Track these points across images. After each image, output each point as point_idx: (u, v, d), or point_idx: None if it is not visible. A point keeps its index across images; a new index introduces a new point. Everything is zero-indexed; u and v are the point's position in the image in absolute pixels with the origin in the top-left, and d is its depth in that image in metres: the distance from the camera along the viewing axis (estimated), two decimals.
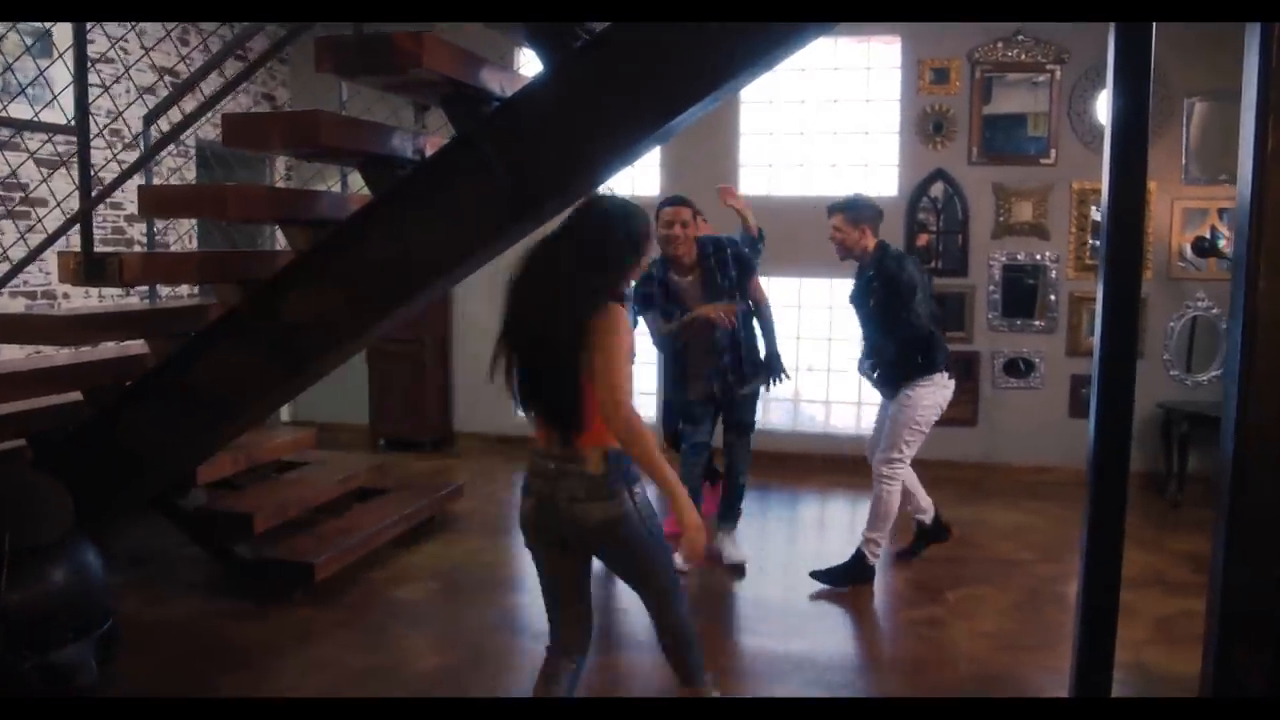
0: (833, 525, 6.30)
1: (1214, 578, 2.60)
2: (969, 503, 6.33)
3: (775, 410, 7.47)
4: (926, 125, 6.88)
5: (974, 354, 6.91)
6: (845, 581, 4.79)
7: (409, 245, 3.21)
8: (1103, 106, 6.67)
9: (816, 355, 7.28)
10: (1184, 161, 6.60)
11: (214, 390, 3.39)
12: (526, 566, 5.17)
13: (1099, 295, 3.08)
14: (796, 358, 7.25)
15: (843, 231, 4.86)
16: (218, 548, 4.60)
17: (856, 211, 4.87)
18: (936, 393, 4.80)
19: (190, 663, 3.94)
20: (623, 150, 3.13)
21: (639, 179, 7.47)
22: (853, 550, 4.83)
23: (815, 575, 4.81)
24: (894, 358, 4.79)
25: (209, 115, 3.15)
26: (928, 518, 5.18)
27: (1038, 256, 6.81)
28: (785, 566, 5.26)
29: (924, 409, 4.77)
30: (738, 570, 5.05)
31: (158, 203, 3.45)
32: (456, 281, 3.83)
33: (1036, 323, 6.85)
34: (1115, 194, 2.83)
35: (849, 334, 5.62)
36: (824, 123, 7.16)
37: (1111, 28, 2.85)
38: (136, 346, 3.76)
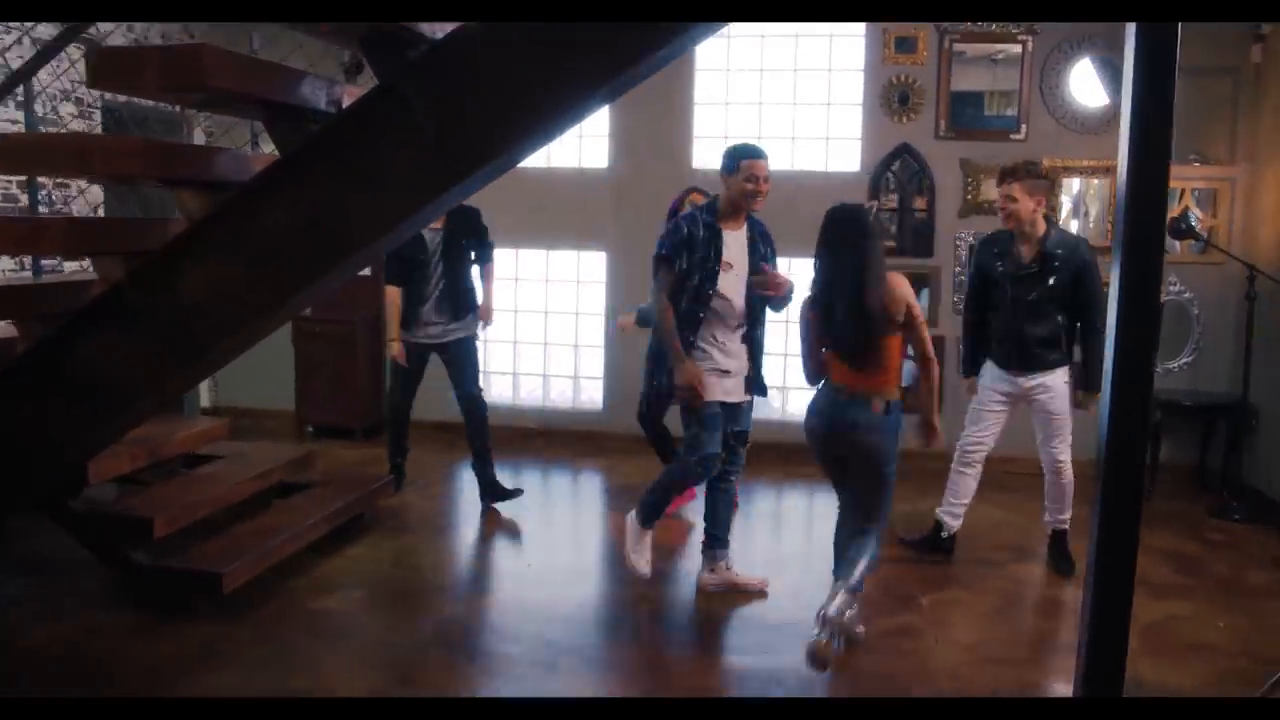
0: (791, 522, 5.92)
1: None
2: (934, 496, 5.96)
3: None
4: (891, 97, 6.50)
5: (938, 339, 6.55)
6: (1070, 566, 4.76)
7: (321, 212, 2.74)
8: (1076, 80, 6.36)
9: (771, 338, 6.87)
10: None
11: (97, 379, 2.89)
12: (462, 570, 4.87)
13: (1114, 289, 2.70)
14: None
15: (1018, 201, 4.50)
16: (112, 555, 4.08)
17: (1035, 181, 4.54)
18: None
19: (76, 687, 3.45)
20: (569, 106, 2.68)
21: (585, 150, 7.02)
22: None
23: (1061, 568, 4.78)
24: (1060, 343, 4.65)
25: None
26: (950, 525, 4.94)
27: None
28: (741, 567, 4.84)
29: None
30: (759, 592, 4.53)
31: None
32: (379, 253, 3.35)
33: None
34: (1134, 194, 2.43)
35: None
36: (783, 93, 6.76)
37: (1132, 26, 2.48)
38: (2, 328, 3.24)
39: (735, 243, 4.29)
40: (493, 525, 5.48)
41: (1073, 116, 6.34)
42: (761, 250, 4.36)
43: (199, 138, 7.07)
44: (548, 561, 4.92)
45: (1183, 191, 6.30)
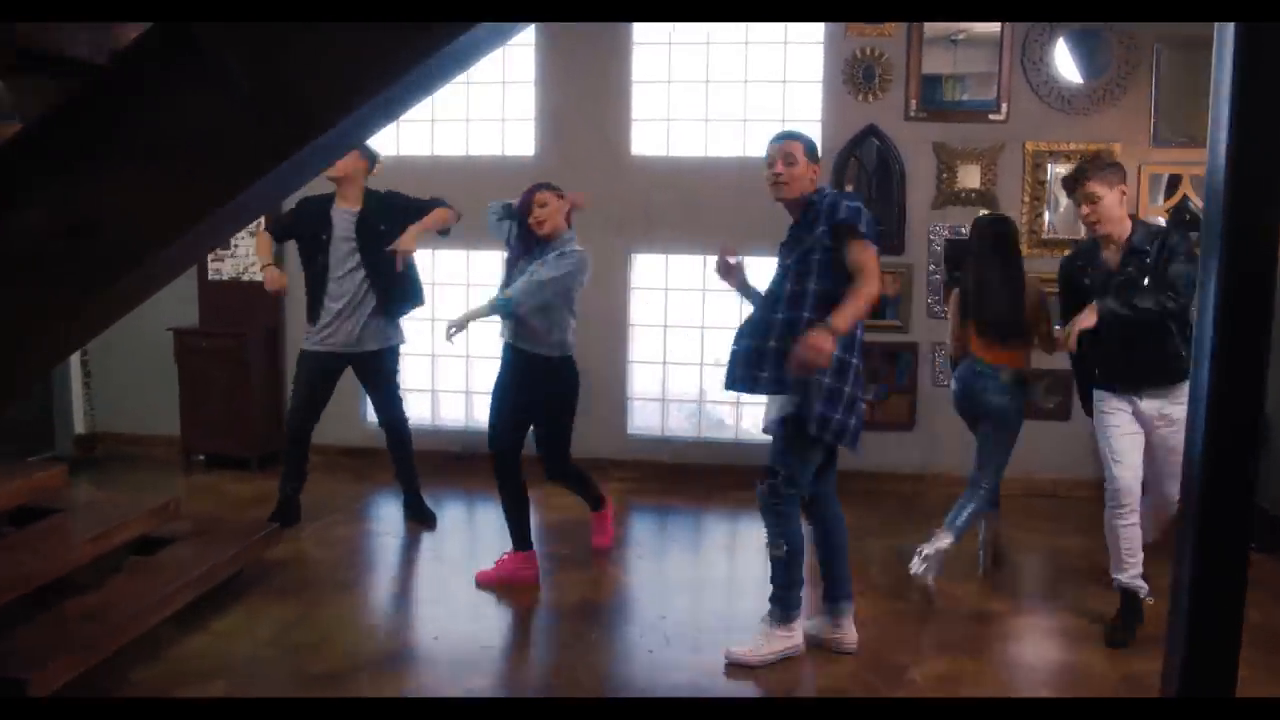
0: (748, 559, 5.11)
1: None
2: (910, 525, 5.25)
3: (675, 414, 6.30)
4: (856, 73, 5.74)
5: (911, 346, 5.84)
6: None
7: (101, 207, 1.91)
8: (1061, 55, 5.64)
9: (725, 346, 6.08)
10: (1152, 120, 5.61)
11: None
12: (356, 647, 3.79)
13: (1210, 290, 1.95)
14: (702, 348, 6.11)
15: (1102, 198, 3.77)
16: None
17: (1111, 169, 3.88)
18: None
19: None
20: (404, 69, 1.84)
21: (509, 138, 6.19)
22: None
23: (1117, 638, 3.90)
24: (1181, 349, 3.78)
25: None
26: (1143, 587, 4.01)
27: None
28: (692, 629, 4.03)
29: None
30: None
31: None
32: (187, 261, 2.47)
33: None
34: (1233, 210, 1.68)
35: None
36: (733, 69, 5.96)
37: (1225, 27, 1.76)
38: None
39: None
40: (403, 578, 4.64)
41: (1058, 95, 5.63)
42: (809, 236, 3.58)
43: None
44: (465, 632, 4.09)
45: (1181, 177, 5.63)
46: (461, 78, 6.20)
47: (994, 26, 5.62)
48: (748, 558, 5.04)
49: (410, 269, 4.90)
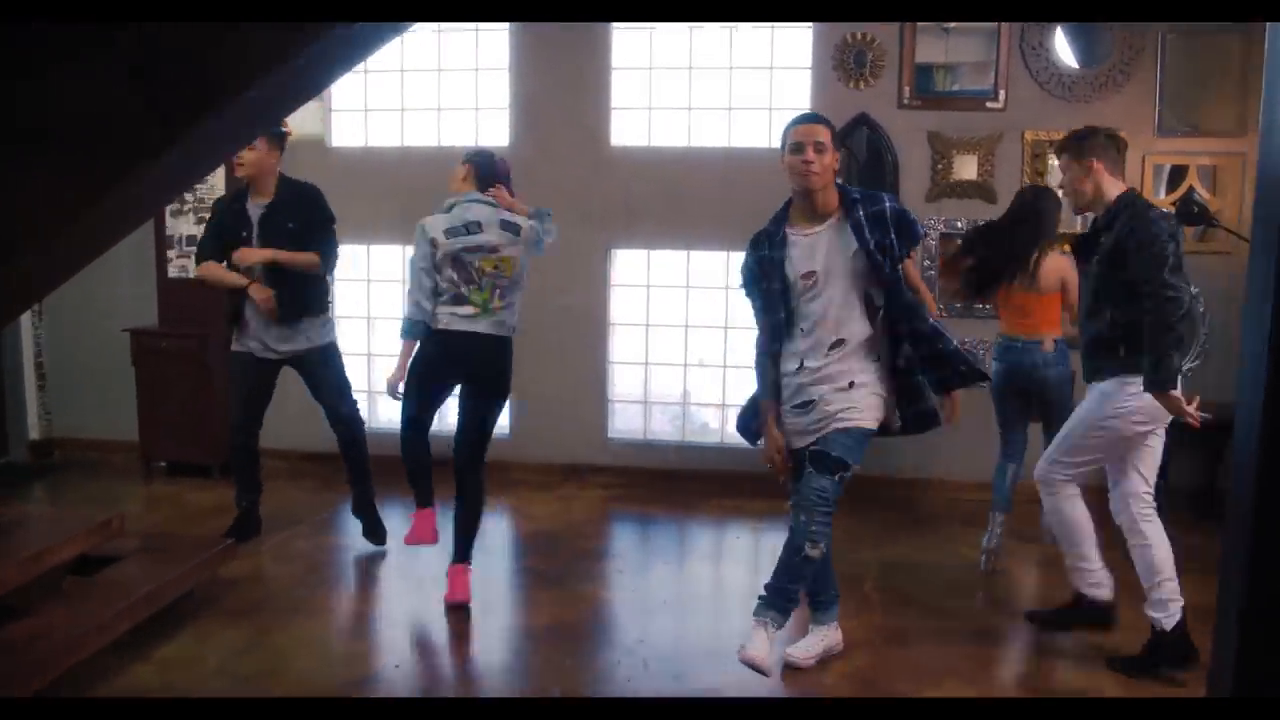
0: (735, 574, 4.84)
1: None
2: (904, 534, 5.02)
3: (658, 417, 6.02)
4: (846, 58, 5.46)
5: None
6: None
7: None
8: (1060, 41, 5.38)
9: (710, 346, 5.85)
10: (1156, 109, 5.35)
11: None
12: (310, 678, 3.44)
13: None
14: (686, 348, 5.83)
15: (1064, 173, 3.72)
16: None
17: (1080, 145, 3.67)
18: None
19: None
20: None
21: (482, 127, 5.90)
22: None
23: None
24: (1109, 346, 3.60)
25: None
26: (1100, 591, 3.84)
27: (982, 223, 5.47)
28: (673, 654, 3.75)
29: None
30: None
31: None
32: (93, 253, 2.17)
33: (981, 305, 5.53)
34: None
35: (748, 320, 4.05)
36: (718, 55, 5.68)
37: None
38: None
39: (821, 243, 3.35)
40: (365, 597, 4.36)
41: (1059, 82, 5.36)
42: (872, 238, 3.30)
43: None
44: (429, 661, 3.80)
45: (1187, 168, 5.37)
46: (432, 64, 5.92)
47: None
48: (734, 573, 4.78)
49: (315, 276, 4.58)
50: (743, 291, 3.52)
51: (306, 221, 4.53)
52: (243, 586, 4.27)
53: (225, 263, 4.53)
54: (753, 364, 3.51)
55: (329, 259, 4.63)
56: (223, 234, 4.56)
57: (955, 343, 3.40)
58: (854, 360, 3.33)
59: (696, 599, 4.40)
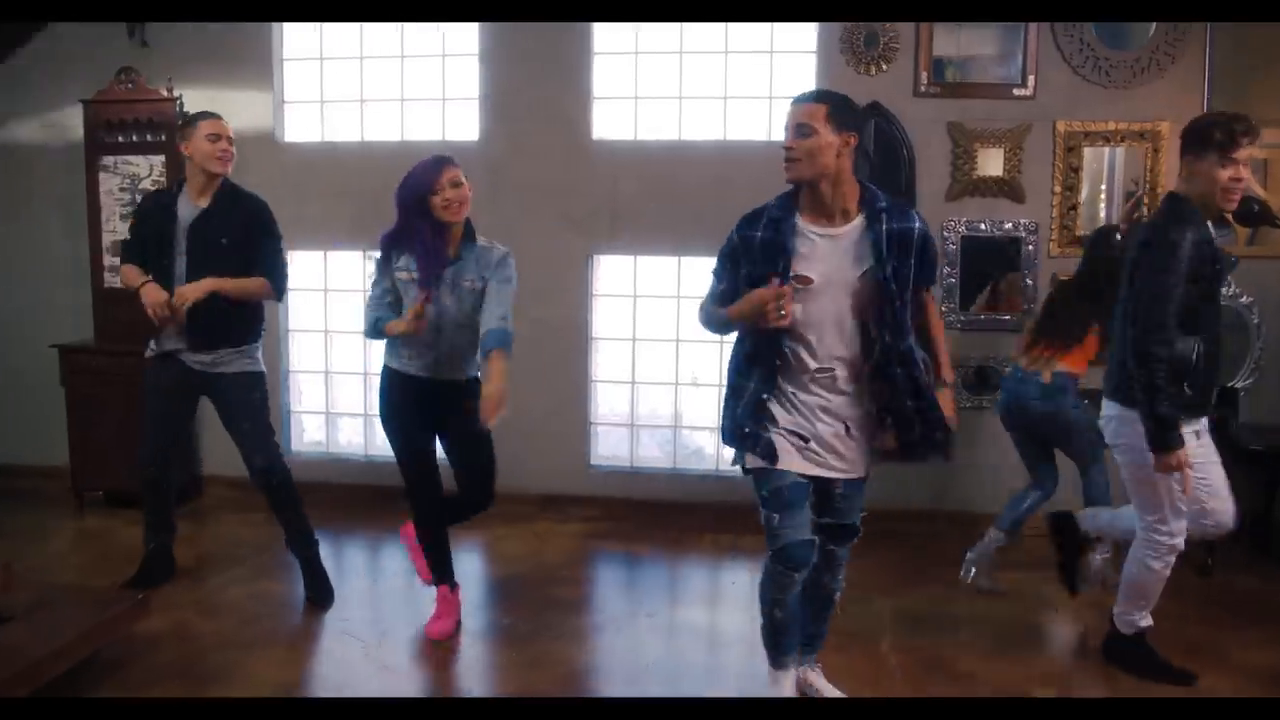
0: (734, 623, 4.21)
1: None
2: (921, 578, 4.44)
3: (646, 441, 5.43)
4: (855, 39, 4.88)
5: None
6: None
7: None
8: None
9: (704, 362, 5.26)
10: (1205, 97, 4.77)
11: None
12: None
13: None
14: (677, 365, 5.25)
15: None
16: None
17: None
18: None
19: None
20: None
21: (450, 117, 5.32)
22: None
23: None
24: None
25: None
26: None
27: (1009, 225, 4.90)
28: None
29: None
30: None
31: None
32: None
33: (1007, 317, 4.95)
34: None
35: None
36: (712, 39, 5.09)
37: None
38: None
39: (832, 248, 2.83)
40: (303, 659, 3.74)
41: (1094, 65, 4.77)
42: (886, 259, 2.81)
43: None
44: None
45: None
46: (395, 51, 5.34)
47: None
48: (731, 625, 4.15)
49: (244, 304, 3.99)
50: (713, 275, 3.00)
51: (243, 239, 3.92)
52: (160, 646, 3.67)
53: (151, 267, 3.94)
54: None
55: (279, 284, 4.03)
56: (145, 235, 3.97)
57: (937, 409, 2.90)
58: (845, 397, 2.88)
59: (687, 663, 3.75)
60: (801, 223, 2.80)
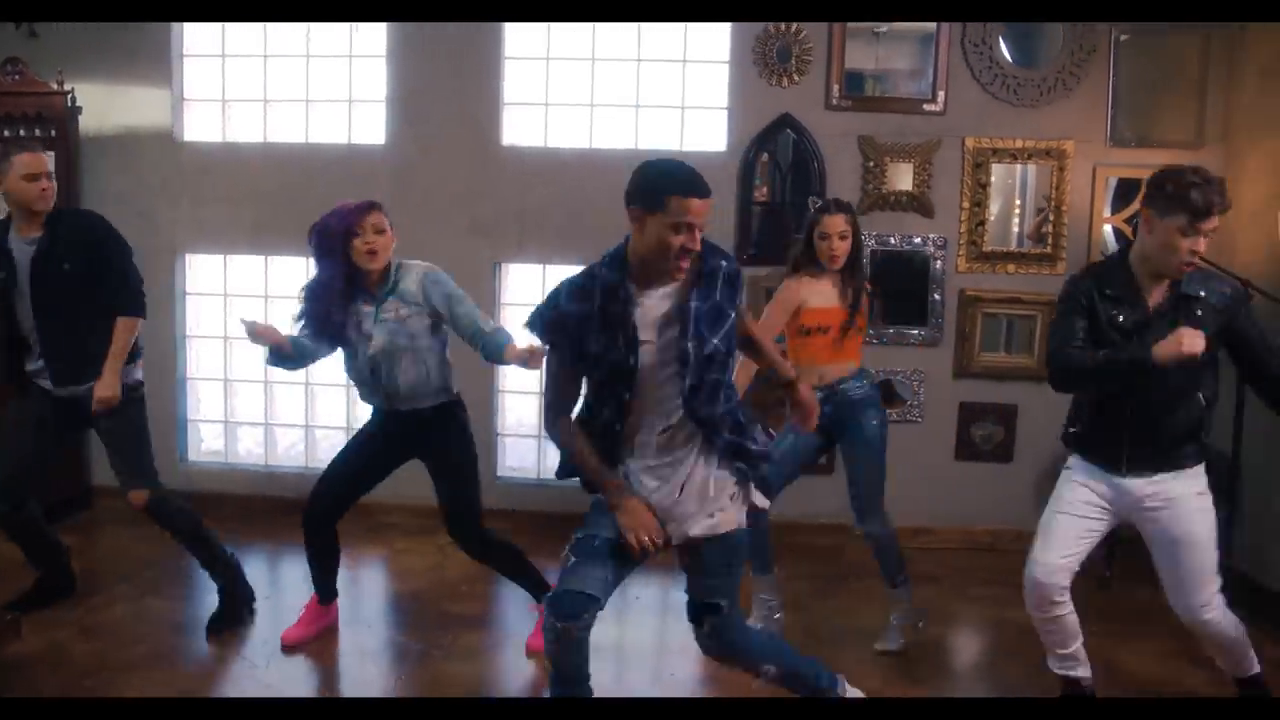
0: (636, 639, 4.14)
1: None
2: (832, 590, 4.42)
3: (553, 452, 5.27)
4: (768, 52, 4.85)
5: None
6: None
7: None
8: (1011, 35, 4.83)
9: None
10: (1109, 116, 4.83)
11: None
12: None
13: None
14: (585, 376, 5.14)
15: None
16: None
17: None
18: None
19: None
20: None
21: (357, 120, 5.18)
22: None
23: None
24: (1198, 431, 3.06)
25: None
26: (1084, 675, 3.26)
27: (918, 240, 4.92)
28: None
29: None
30: None
31: None
32: None
33: (915, 331, 4.97)
34: None
35: None
36: (624, 46, 5.03)
37: None
38: None
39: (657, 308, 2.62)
40: (178, 682, 3.57)
41: (1003, 83, 4.81)
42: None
43: None
44: None
45: (1141, 183, 4.83)
46: (300, 50, 5.19)
47: None
48: (636, 639, 4.06)
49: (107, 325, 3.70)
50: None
51: (90, 260, 3.66)
52: (30, 670, 3.49)
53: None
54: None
55: (134, 303, 3.73)
56: None
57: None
58: None
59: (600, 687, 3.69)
60: (631, 287, 2.64)
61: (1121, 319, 2.92)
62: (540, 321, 2.62)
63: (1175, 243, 2.79)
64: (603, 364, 2.57)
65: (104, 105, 5.16)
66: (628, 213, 2.53)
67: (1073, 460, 3.16)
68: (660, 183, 2.48)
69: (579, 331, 2.56)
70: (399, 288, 3.54)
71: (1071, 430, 3.14)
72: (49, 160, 3.70)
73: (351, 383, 3.72)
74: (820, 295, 3.67)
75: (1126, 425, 2.98)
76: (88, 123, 5.13)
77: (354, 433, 3.79)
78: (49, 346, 3.65)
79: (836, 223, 3.62)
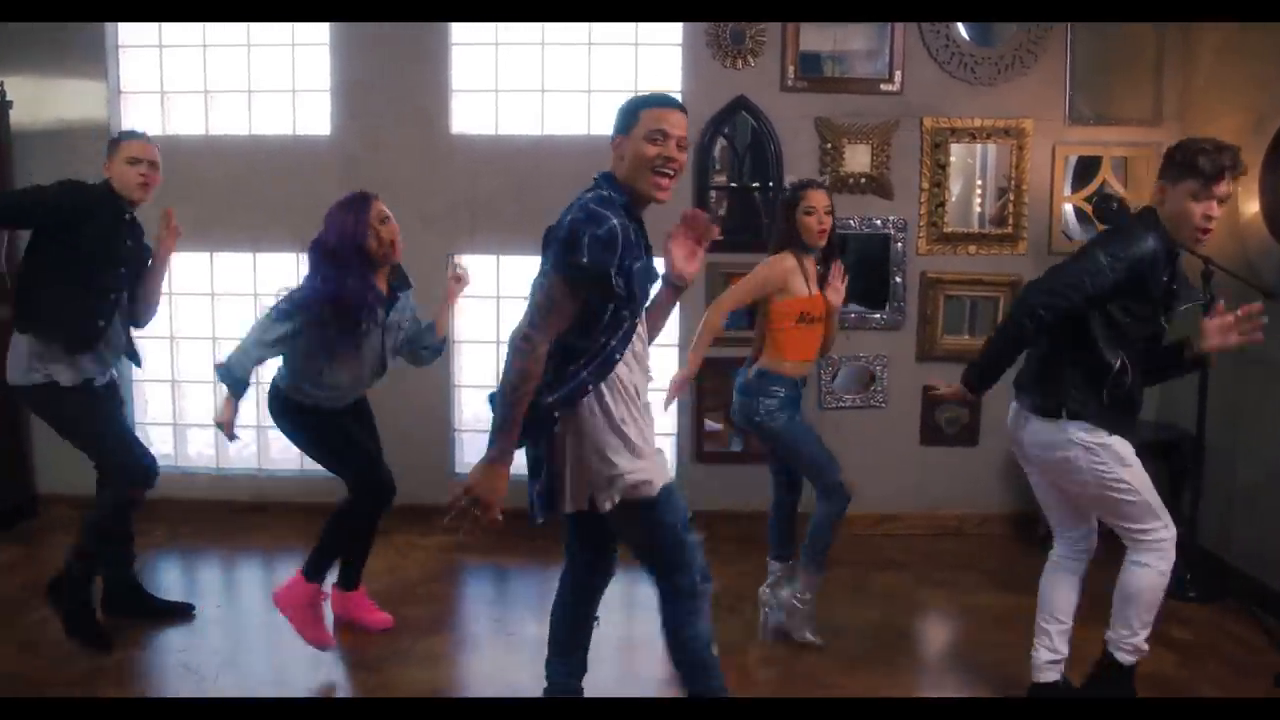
0: (600, 641, 4.04)
1: None
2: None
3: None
4: (721, 34, 4.76)
5: None
6: None
7: None
8: None
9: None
10: (1067, 94, 4.78)
11: None
12: None
13: None
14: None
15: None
16: None
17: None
18: None
19: None
20: None
21: (301, 110, 5.04)
22: None
23: None
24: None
25: None
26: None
27: (877, 222, 4.85)
28: None
29: None
30: None
31: None
32: None
33: (876, 315, 4.90)
34: None
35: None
36: (574, 31, 4.92)
37: None
38: None
39: None
40: (136, 690, 3.45)
41: (960, 62, 4.75)
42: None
43: None
44: None
45: (1100, 160, 4.81)
46: (241, 40, 5.03)
47: None
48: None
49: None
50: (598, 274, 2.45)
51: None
52: None
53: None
54: None
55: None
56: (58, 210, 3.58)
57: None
58: None
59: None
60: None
61: (1175, 286, 2.96)
62: (598, 243, 2.40)
63: (1188, 208, 2.80)
64: (634, 280, 2.48)
65: (36, 99, 4.98)
66: (612, 152, 2.55)
67: (1100, 435, 2.92)
68: (634, 102, 2.54)
69: (626, 243, 2.44)
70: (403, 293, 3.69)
71: (1090, 405, 2.92)
72: (155, 151, 3.72)
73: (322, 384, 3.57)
74: (804, 282, 3.59)
75: (1139, 391, 3.01)
76: (19, 117, 4.95)
77: (332, 433, 3.66)
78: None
79: (821, 197, 3.55)
